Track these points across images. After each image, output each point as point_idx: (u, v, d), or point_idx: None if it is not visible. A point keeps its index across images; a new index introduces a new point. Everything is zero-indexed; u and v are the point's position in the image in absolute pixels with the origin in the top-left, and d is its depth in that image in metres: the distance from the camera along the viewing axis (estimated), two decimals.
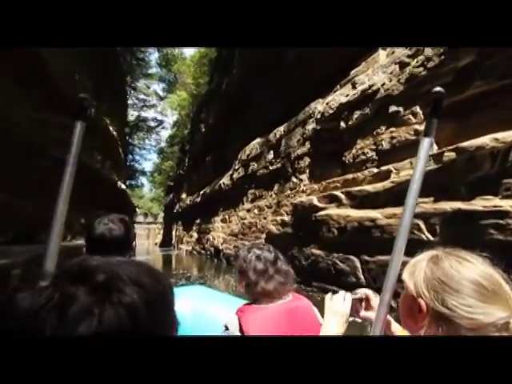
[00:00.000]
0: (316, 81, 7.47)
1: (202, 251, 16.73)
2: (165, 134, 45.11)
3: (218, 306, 1.94)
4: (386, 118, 4.78)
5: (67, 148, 0.78)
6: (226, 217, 13.94)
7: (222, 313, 1.71)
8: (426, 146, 0.77)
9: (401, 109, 4.55)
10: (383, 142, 4.74)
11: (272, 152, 9.42)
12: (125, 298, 0.31)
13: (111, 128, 14.46)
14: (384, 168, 4.63)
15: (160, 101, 39.02)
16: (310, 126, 7.20)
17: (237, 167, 12.83)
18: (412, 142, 4.25)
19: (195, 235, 19.94)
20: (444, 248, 0.65)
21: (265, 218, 9.02)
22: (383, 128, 4.84)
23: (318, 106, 7.02)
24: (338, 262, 5.19)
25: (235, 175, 12.87)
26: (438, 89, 0.79)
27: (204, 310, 1.91)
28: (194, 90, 22.96)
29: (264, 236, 8.61)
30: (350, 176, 5.39)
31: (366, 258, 4.67)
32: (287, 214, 7.50)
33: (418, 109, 4.29)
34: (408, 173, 4.10)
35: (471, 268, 0.59)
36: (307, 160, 7.27)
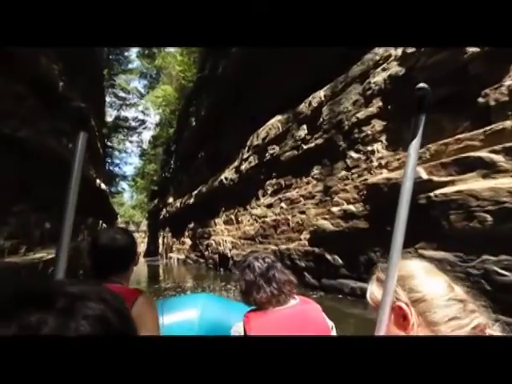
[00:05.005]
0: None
1: (201, 259, 14.26)
2: (147, 135, 42.06)
3: (226, 313, 1.87)
4: None
5: (71, 161, 0.72)
6: (232, 217, 11.60)
7: (229, 320, 1.64)
8: (415, 144, 0.75)
9: None
10: None
11: (305, 127, 7.21)
12: (93, 311, 0.33)
13: None
14: None
15: (141, 99, 36.16)
16: (381, 75, 5.06)
17: (246, 156, 10.54)
18: None
19: (188, 241, 17.62)
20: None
21: (303, 213, 6.75)
22: None
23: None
24: (499, 270, 3.00)
25: (244, 166, 10.57)
26: (422, 85, 0.73)
27: (211, 318, 1.85)
28: (183, 80, 20.47)
29: (306, 236, 6.33)
30: (504, 124, 3.23)
31: None
32: (349, 203, 5.28)
33: None
34: None
35: (441, 282, 0.64)
36: (379, 123, 5.10)
